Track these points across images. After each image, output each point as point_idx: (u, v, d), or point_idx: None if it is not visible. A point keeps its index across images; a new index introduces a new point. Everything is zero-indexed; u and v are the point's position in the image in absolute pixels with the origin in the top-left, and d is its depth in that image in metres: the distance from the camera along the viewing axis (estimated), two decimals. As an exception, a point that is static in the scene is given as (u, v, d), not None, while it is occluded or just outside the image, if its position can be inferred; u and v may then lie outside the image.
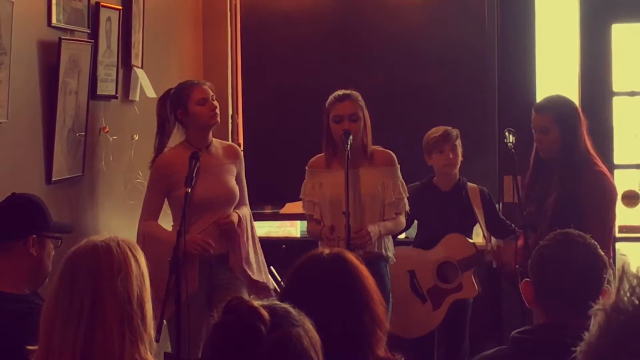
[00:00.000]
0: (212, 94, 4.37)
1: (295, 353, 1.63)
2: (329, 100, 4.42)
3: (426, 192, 4.84)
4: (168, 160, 4.31)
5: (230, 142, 4.56)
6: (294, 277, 2.40)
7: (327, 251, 2.42)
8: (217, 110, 4.35)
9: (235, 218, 4.33)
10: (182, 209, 4.05)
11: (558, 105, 4.52)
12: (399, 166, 4.49)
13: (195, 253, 4.17)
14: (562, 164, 4.40)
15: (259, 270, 4.48)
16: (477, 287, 4.80)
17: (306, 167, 4.52)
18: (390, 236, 4.51)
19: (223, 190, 4.36)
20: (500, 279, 5.52)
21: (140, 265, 2.24)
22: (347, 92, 4.42)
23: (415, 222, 4.96)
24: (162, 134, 4.38)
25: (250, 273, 4.38)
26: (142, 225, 4.33)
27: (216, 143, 4.44)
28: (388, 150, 4.50)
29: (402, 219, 4.50)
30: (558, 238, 2.49)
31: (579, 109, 4.56)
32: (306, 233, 4.71)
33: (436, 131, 4.82)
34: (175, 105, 4.33)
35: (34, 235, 2.97)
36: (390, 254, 4.47)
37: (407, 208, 4.50)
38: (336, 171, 4.38)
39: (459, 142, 4.80)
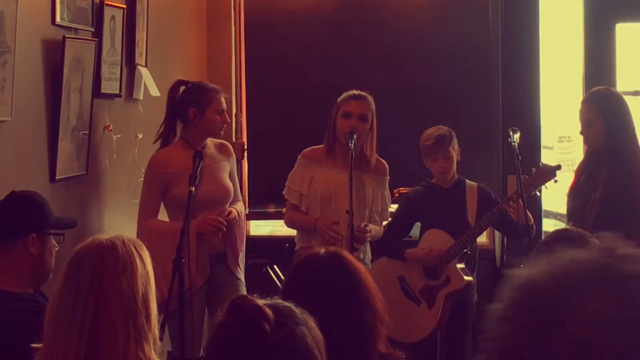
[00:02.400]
0: (226, 107, 4.40)
1: (300, 351, 1.63)
2: (343, 96, 4.45)
3: (429, 192, 4.83)
4: (163, 159, 4.30)
5: (222, 140, 4.54)
6: (292, 277, 2.41)
7: (323, 250, 2.43)
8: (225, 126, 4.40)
9: (235, 213, 4.34)
10: (178, 208, 4.07)
11: (602, 97, 4.51)
12: (389, 177, 4.54)
13: (208, 233, 4.18)
14: (611, 157, 4.38)
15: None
16: (465, 277, 4.76)
17: (299, 156, 4.53)
18: (367, 243, 4.57)
19: (219, 188, 4.36)
20: (503, 279, 5.51)
21: (146, 264, 2.25)
22: (363, 93, 4.45)
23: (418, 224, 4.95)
24: (171, 123, 4.35)
25: (240, 269, 4.40)
26: (142, 226, 4.29)
27: (209, 142, 4.43)
28: (383, 161, 4.54)
29: (383, 229, 4.60)
30: (556, 235, 2.46)
31: (625, 102, 4.52)
32: (286, 224, 4.68)
33: (429, 136, 4.69)
34: (192, 103, 4.27)
35: (33, 234, 2.95)
36: (367, 260, 4.55)
37: (389, 219, 4.64)
38: (331, 168, 4.41)
39: (454, 144, 4.70)
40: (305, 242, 4.41)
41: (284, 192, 4.56)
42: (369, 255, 4.60)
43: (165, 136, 4.33)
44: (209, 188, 4.28)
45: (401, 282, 4.78)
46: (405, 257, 4.71)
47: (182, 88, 4.34)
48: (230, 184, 4.43)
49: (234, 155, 4.59)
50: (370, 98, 4.44)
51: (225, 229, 4.23)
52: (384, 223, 4.66)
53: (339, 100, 4.44)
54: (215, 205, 4.31)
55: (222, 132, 4.40)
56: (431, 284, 4.77)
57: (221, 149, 4.48)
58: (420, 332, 4.77)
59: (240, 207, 4.49)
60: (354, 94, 4.43)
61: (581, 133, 4.53)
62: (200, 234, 4.18)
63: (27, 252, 2.93)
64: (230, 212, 4.32)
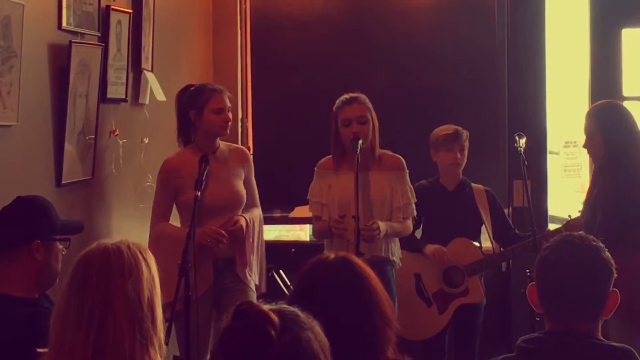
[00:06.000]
0: (229, 105, 4.36)
1: (305, 356, 1.63)
2: (336, 104, 4.43)
3: (433, 190, 4.85)
4: (175, 163, 4.32)
5: (238, 145, 4.52)
6: (302, 281, 2.40)
7: (332, 255, 2.43)
8: (230, 123, 4.36)
9: (243, 223, 4.32)
10: (188, 213, 4.07)
11: (601, 110, 4.51)
12: (407, 171, 4.49)
13: (207, 244, 4.18)
14: (614, 169, 4.38)
15: (254, 272, 4.47)
16: (482, 293, 4.79)
17: (315, 168, 4.53)
18: (397, 241, 4.51)
19: (229, 194, 4.35)
20: (509, 284, 5.51)
21: (151, 268, 2.25)
22: (355, 95, 4.43)
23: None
24: (182, 127, 4.38)
25: (250, 277, 4.37)
26: (153, 229, 4.33)
27: (223, 146, 4.43)
28: (398, 155, 4.50)
29: (410, 223, 4.51)
30: (560, 241, 2.43)
31: (627, 113, 4.51)
32: (314, 236, 4.70)
33: (447, 129, 4.80)
34: (191, 106, 4.31)
35: (38, 240, 2.94)
36: (396, 259, 4.48)
37: (415, 213, 4.51)
38: (345, 174, 4.39)
39: (467, 144, 4.81)
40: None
41: (308, 207, 4.55)
42: (398, 254, 4.50)
43: (180, 139, 4.39)
44: (218, 193, 4.28)
45: (417, 280, 4.79)
46: (424, 250, 4.74)
47: None
48: (242, 191, 4.41)
49: (250, 160, 4.57)
50: (363, 97, 4.42)
51: (225, 242, 4.22)
52: (409, 221, 4.52)
53: (334, 109, 4.43)
54: (224, 212, 4.31)
55: (227, 131, 4.36)
56: (447, 290, 4.77)
57: (236, 154, 4.47)
58: (424, 332, 4.78)
59: (256, 213, 4.48)
60: (346, 99, 4.41)
61: (584, 146, 4.54)
62: (201, 245, 4.16)
63: (32, 258, 2.92)
64: (236, 221, 4.31)
